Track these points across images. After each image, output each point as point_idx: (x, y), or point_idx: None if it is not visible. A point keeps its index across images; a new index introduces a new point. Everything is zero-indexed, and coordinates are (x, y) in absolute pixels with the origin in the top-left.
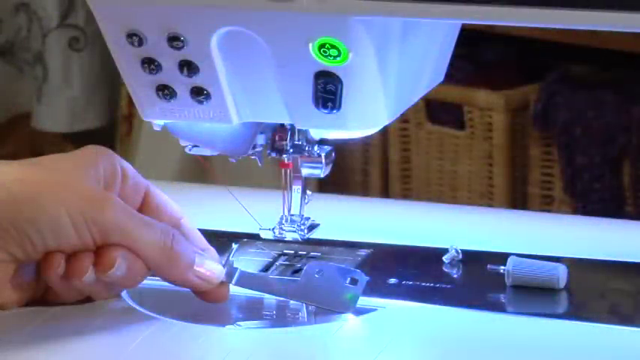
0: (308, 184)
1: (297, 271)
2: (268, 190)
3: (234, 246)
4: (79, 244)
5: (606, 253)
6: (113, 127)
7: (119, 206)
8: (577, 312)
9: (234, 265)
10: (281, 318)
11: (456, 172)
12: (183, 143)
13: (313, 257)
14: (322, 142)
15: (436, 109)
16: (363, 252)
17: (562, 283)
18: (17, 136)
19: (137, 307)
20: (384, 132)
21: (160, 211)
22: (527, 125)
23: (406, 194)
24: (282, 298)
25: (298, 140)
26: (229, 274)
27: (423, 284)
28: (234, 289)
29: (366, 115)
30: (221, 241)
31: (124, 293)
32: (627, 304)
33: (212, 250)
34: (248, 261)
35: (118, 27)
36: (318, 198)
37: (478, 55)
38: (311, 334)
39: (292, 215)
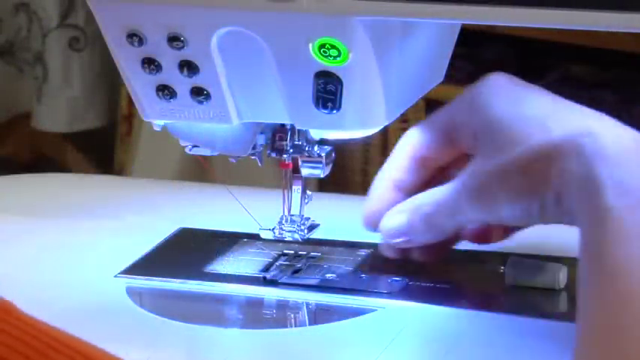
0: (308, 184)
1: (297, 271)
2: (268, 190)
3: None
4: None
5: None
6: (113, 127)
7: None
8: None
9: None
10: (281, 318)
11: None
12: (183, 143)
13: (313, 257)
14: (322, 142)
15: (436, 109)
16: (363, 252)
17: (562, 283)
18: (17, 136)
19: (137, 308)
20: (384, 132)
21: None
22: None
23: None
24: (282, 298)
25: (298, 140)
26: None
27: (423, 284)
28: (234, 290)
29: (366, 115)
30: (221, 241)
31: (124, 293)
32: None
33: None
34: (248, 261)
35: (118, 27)
36: (318, 198)
37: (478, 55)
38: (311, 334)
39: (292, 215)
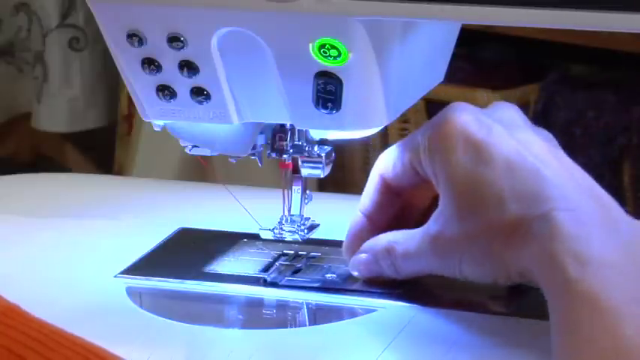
0: (308, 184)
1: (297, 272)
2: (268, 190)
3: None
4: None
5: None
6: (113, 127)
7: None
8: None
9: None
10: (281, 318)
11: None
12: (183, 143)
13: (313, 257)
14: (322, 142)
15: (436, 109)
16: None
17: None
18: (17, 136)
19: (137, 308)
20: (384, 132)
21: None
22: None
23: None
24: (282, 298)
25: (298, 140)
26: None
27: (423, 284)
28: (234, 290)
29: (366, 115)
30: (221, 241)
31: (124, 293)
32: None
33: None
34: (248, 261)
35: (118, 27)
36: (318, 198)
37: (478, 55)
38: (311, 334)
39: (292, 215)
